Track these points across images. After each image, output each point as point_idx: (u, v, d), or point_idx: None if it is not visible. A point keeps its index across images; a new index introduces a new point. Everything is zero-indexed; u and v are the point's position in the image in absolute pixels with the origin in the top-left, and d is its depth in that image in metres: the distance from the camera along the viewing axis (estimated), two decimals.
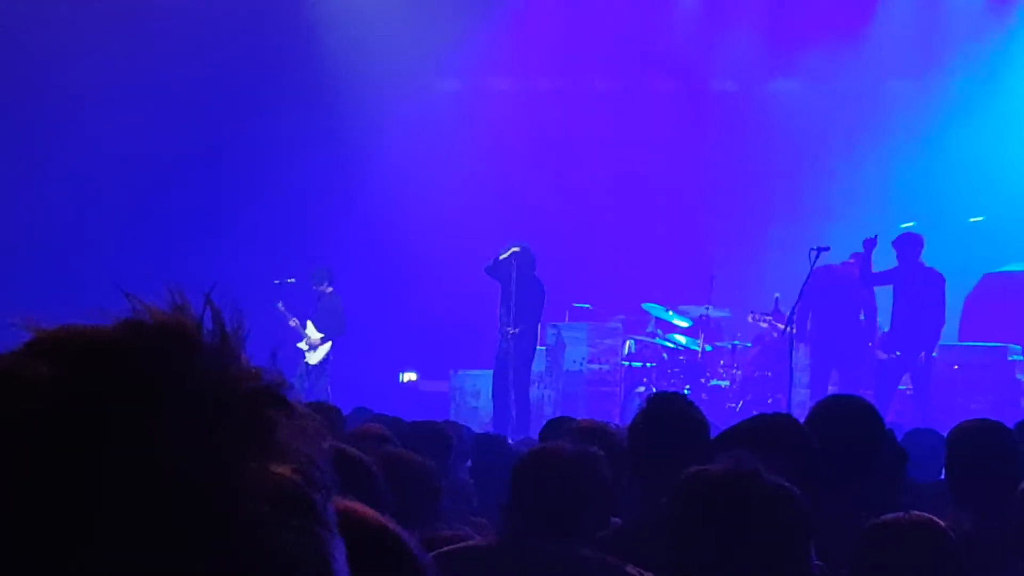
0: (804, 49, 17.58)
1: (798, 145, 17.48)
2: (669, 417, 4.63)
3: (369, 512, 1.40)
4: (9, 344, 0.87)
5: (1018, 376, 13.94)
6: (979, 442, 5.14)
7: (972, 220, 16.22)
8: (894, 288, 13.55)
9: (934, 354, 13.80)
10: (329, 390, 15.99)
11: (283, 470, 0.85)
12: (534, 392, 15.59)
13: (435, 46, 17.38)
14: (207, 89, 16.86)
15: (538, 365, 15.91)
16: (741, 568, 2.65)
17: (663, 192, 17.90)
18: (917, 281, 13.40)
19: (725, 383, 15.39)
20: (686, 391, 15.04)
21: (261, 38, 17.05)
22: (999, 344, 14.16)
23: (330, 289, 16.40)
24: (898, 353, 13.60)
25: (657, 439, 4.55)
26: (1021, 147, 16.60)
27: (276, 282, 16.51)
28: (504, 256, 14.56)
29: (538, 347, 15.38)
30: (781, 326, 13.81)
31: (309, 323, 16.40)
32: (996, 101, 17.00)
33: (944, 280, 13.58)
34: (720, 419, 13.13)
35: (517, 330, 14.44)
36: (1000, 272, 15.27)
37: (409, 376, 17.86)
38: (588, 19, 18.36)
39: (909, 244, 13.53)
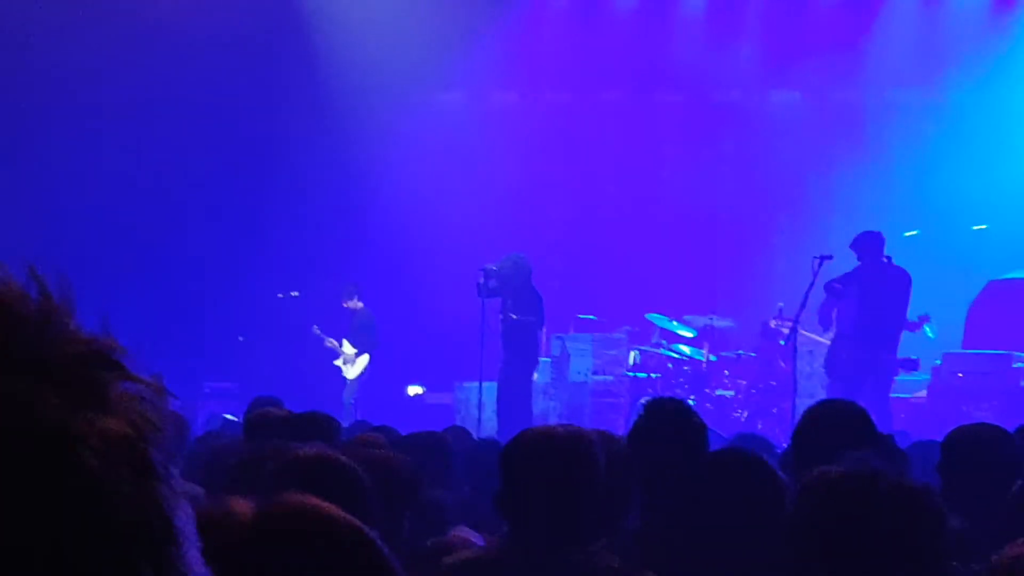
0: (806, 60, 17.60)
1: (801, 155, 17.49)
2: (667, 420, 4.63)
3: (333, 510, 1.40)
4: None
5: (1022, 383, 13.91)
6: (973, 445, 5.16)
7: (976, 228, 16.22)
8: (857, 288, 13.37)
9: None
10: (355, 405, 16.11)
11: (115, 426, 0.86)
12: (539, 404, 15.58)
13: (441, 58, 17.42)
14: (209, 102, 16.89)
15: (543, 377, 15.92)
16: (871, 571, 2.59)
17: (667, 203, 17.92)
18: (880, 280, 13.24)
19: (730, 393, 15.37)
20: (691, 401, 15.07)
21: (265, 51, 17.11)
22: (1004, 352, 14.13)
23: (360, 304, 16.55)
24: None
25: (657, 443, 4.55)
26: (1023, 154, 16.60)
27: (280, 295, 16.57)
28: (494, 268, 14.54)
29: (541, 358, 15.38)
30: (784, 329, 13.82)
31: (345, 341, 16.55)
32: (998, 109, 17.01)
33: (909, 278, 13.44)
34: (725, 429, 13.17)
35: (517, 317, 14.41)
36: (1004, 279, 15.26)
37: (415, 389, 17.87)
38: (593, 32, 18.39)
39: (868, 243, 13.38)
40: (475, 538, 4.43)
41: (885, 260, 13.33)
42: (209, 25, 16.54)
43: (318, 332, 16.55)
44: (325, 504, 1.39)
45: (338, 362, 16.59)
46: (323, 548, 1.34)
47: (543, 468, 3.60)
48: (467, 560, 3.66)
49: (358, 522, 1.39)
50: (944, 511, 2.63)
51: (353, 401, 16.27)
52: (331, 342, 16.58)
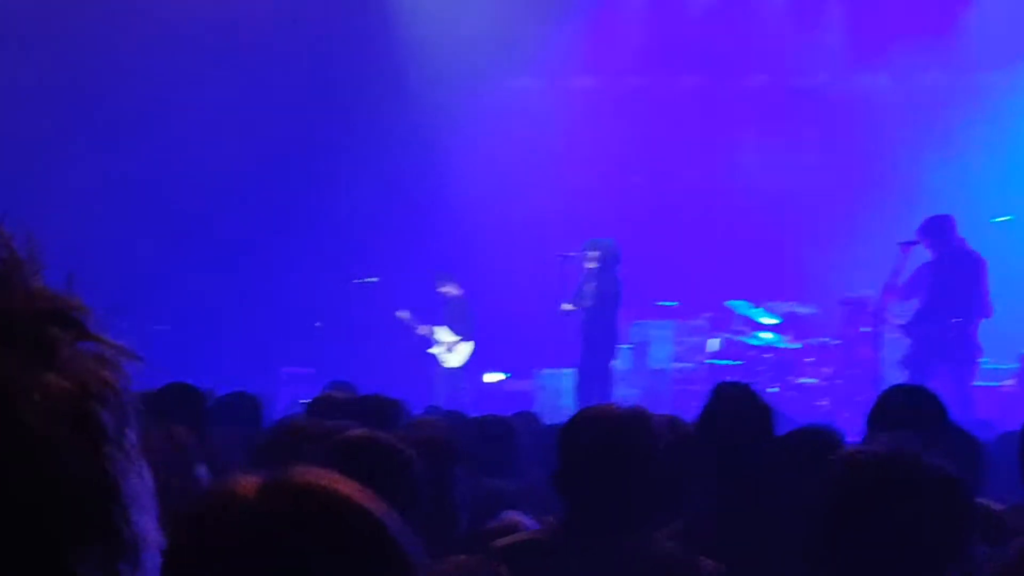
0: (894, 42, 17.29)
1: (887, 139, 17.18)
2: (733, 403, 4.53)
3: (342, 489, 1.35)
4: None
5: None
6: None
7: None
8: (928, 274, 13.03)
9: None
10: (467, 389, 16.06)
11: (59, 382, 0.85)
12: (619, 391, 15.45)
13: (517, 42, 17.32)
14: (289, 87, 16.93)
15: (623, 364, 15.78)
16: (893, 553, 2.52)
17: (748, 188, 17.68)
18: (951, 264, 12.88)
19: (813, 381, 15.16)
20: (774, 390, 14.86)
21: (339, 35, 17.10)
22: None
23: (456, 291, 16.42)
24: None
25: (723, 427, 4.46)
26: None
27: (356, 281, 16.55)
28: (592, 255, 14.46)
29: (620, 345, 15.23)
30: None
31: (442, 328, 16.45)
32: None
33: (983, 262, 13.08)
34: (808, 418, 12.94)
35: (572, 307, 14.31)
36: None
37: (494, 376, 17.80)
38: (672, 14, 18.20)
39: (936, 227, 13.03)
40: (528, 522, 4.32)
41: (957, 243, 13.01)
42: (283, 4, 16.57)
43: (407, 317, 16.42)
44: (335, 482, 1.35)
45: (434, 350, 16.49)
46: (324, 528, 1.30)
47: (598, 446, 3.54)
48: (519, 542, 3.57)
49: (370, 504, 1.35)
50: (970, 500, 2.53)
51: (464, 387, 16.20)
52: (425, 329, 16.49)
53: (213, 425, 6.11)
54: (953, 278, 12.86)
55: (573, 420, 3.76)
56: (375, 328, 17.00)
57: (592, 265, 14.34)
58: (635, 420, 3.64)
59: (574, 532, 3.55)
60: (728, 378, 14.87)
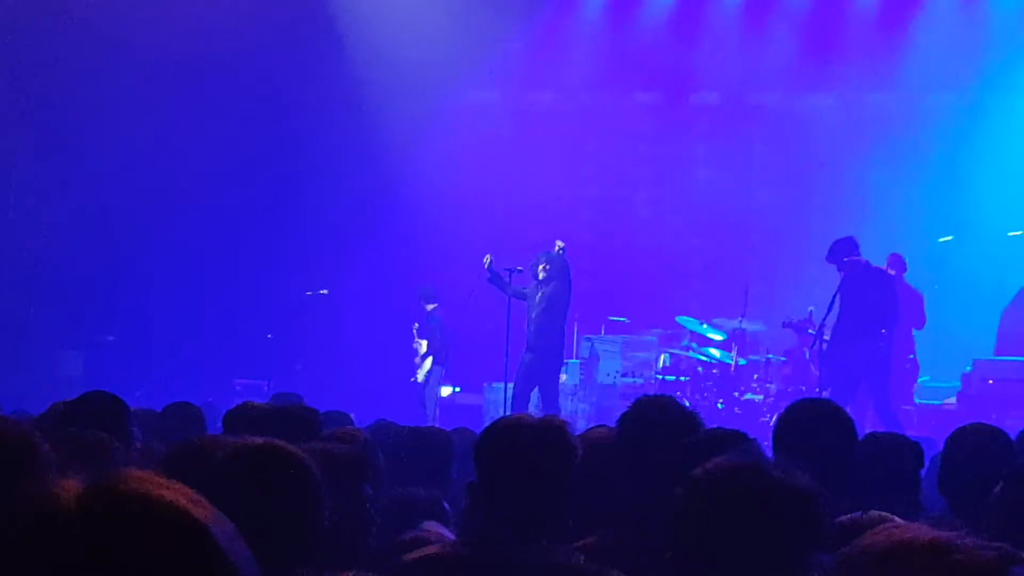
0: (842, 63, 17.49)
1: (835, 159, 17.37)
2: (655, 415, 4.54)
3: (168, 496, 1.32)
4: None
5: None
6: (971, 446, 5.10)
7: (1011, 234, 16.05)
8: (840, 295, 13.23)
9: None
10: (435, 410, 16.10)
11: None
12: (568, 405, 15.55)
13: (474, 58, 17.43)
14: (243, 101, 16.96)
15: (572, 378, 15.88)
16: (737, 562, 2.57)
17: (698, 205, 17.84)
18: (859, 282, 13.08)
19: (759, 397, 15.28)
20: (719, 405, 15.00)
21: (296, 49, 17.14)
22: None
23: (432, 307, 16.56)
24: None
25: (642, 438, 4.47)
26: None
27: (308, 293, 16.61)
28: (541, 268, 14.49)
29: (569, 359, 15.31)
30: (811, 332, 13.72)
31: (425, 342, 16.63)
32: None
33: (890, 279, 13.28)
34: (755, 433, 13.04)
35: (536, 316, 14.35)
36: None
37: (447, 390, 17.88)
38: (627, 33, 18.35)
39: (842, 250, 13.22)
40: (447, 533, 4.38)
41: (863, 263, 13.20)
42: (239, 23, 16.60)
43: (416, 331, 16.66)
44: (161, 488, 1.32)
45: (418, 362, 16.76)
46: (140, 534, 1.27)
47: (509, 456, 3.51)
48: (427, 556, 3.60)
49: (195, 510, 1.32)
50: (819, 508, 2.59)
51: (436, 403, 16.30)
52: (421, 344, 16.70)
53: (157, 434, 6.20)
54: (861, 297, 13.03)
55: (486, 430, 3.73)
56: (325, 339, 17.05)
57: (541, 277, 14.38)
58: (548, 432, 3.59)
59: (484, 544, 3.52)
60: (677, 393, 15.12)
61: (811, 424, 4.62)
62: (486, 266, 14.66)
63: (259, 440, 2.97)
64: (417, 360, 16.65)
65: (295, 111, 17.40)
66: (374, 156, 17.59)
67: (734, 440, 4.27)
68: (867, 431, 5.85)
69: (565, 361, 15.25)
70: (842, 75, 17.51)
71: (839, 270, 13.15)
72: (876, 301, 13.02)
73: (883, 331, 12.97)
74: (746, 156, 17.65)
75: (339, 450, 3.74)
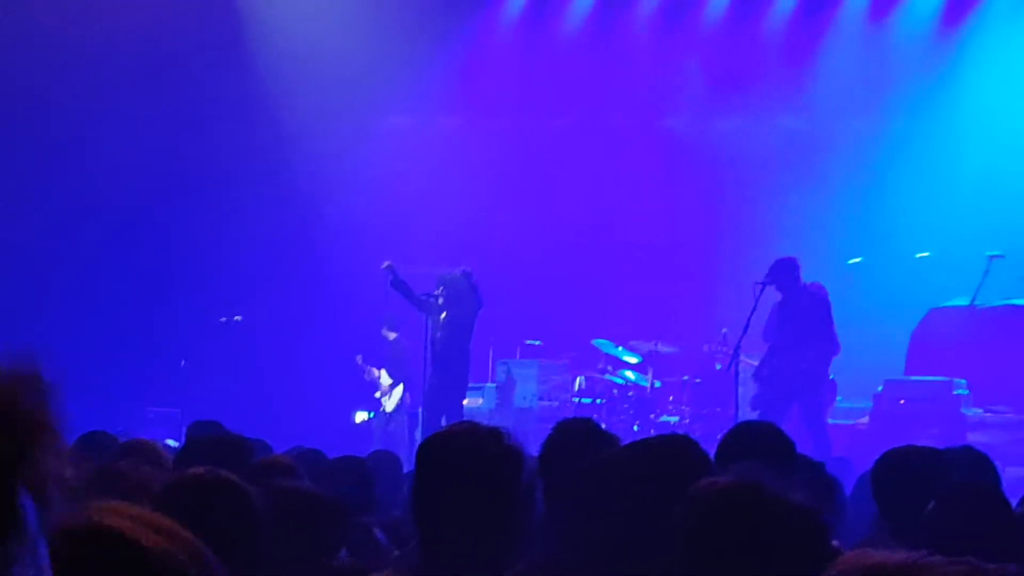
0: (751, 87, 17.70)
1: (746, 182, 17.56)
2: (576, 440, 4.51)
3: (121, 525, 1.34)
4: None
5: (963, 410, 13.97)
6: (900, 465, 5.16)
7: (919, 256, 16.31)
8: (778, 315, 13.38)
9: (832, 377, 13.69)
10: (412, 433, 15.94)
11: None
12: None
13: (388, 82, 17.42)
14: (151, 126, 16.79)
15: (488, 402, 15.88)
16: None
17: (612, 229, 17.95)
18: (798, 302, 13.25)
19: (675, 419, 15.38)
20: (635, 428, 15.06)
21: (209, 74, 17.03)
22: (944, 378, 14.19)
23: (394, 335, 16.45)
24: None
25: (565, 458, 4.43)
26: (967, 182, 16.72)
27: (222, 320, 16.46)
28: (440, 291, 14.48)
29: (487, 384, 15.33)
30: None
31: (383, 371, 16.50)
32: (942, 136, 17.14)
33: (824, 293, 13.46)
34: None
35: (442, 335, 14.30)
36: (945, 307, 15.33)
37: (362, 416, 17.79)
38: (540, 57, 18.44)
39: (781, 271, 13.38)
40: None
41: (803, 284, 13.37)
42: (149, 49, 16.46)
43: (360, 362, 16.51)
44: (112, 523, 1.34)
45: (378, 394, 16.59)
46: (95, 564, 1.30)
47: (461, 467, 3.21)
48: None
49: (158, 542, 1.34)
50: (825, 528, 2.58)
51: (409, 431, 16.15)
52: (372, 373, 16.57)
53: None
54: (800, 318, 13.20)
55: (429, 438, 3.42)
56: (240, 367, 16.88)
57: (441, 301, 14.41)
58: (499, 437, 3.28)
59: (426, 567, 3.27)
60: (593, 416, 15.15)
61: (753, 446, 4.65)
62: (384, 268, 14.60)
63: (199, 469, 2.94)
64: (382, 392, 16.54)
65: (205, 134, 17.25)
66: (287, 182, 17.50)
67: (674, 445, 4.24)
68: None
69: (479, 385, 15.28)
70: (752, 99, 17.71)
71: (778, 290, 13.28)
72: (814, 321, 13.18)
73: (819, 351, 13.14)
74: (658, 181, 17.76)
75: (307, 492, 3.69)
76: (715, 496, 2.62)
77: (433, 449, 3.31)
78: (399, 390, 16.55)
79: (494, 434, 3.28)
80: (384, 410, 16.56)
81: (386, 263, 14.64)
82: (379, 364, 16.69)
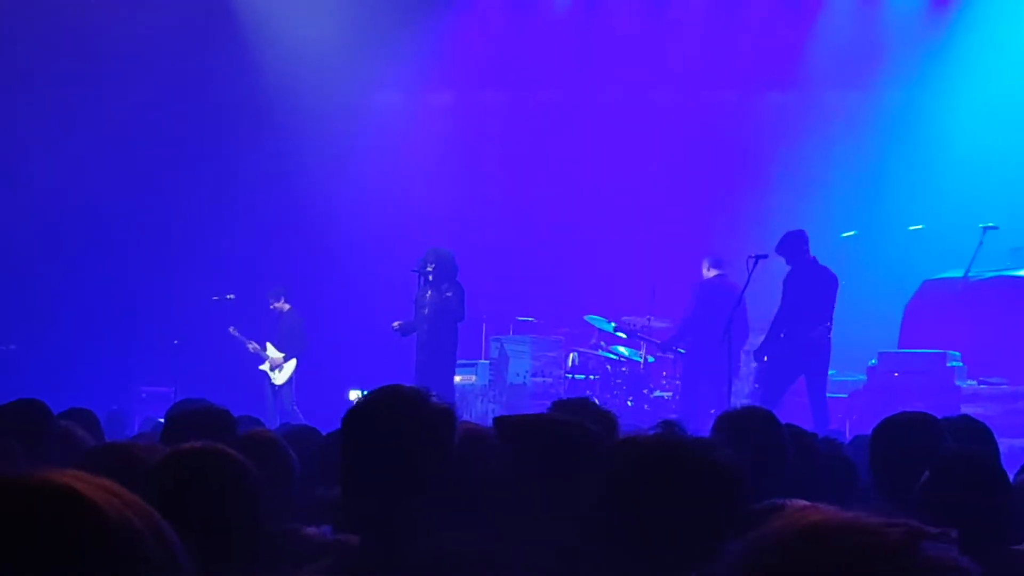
0: (745, 60, 17.66)
1: (739, 155, 17.54)
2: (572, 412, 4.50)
3: (73, 484, 1.32)
4: None
5: (957, 382, 13.96)
6: (899, 433, 5.14)
7: (912, 228, 16.29)
8: (786, 289, 13.34)
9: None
10: (297, 409, 15.85)
11: None
12: (478, 406, 15.53)
13: (376, 58, 17.36)
14: (142, 107, 16.76)
15: (482, 379, 15.85)
16: (653, 534, 2.56)
17: (604, 205, 17.91)
18: (806, 279, 13.20)
19: (667, 394, 15.37)
20: (629, 403, 15.05)
21: (198, 54, 16.97)
22: (938, 351, 14.19)
23: (287, 306, 16.33)
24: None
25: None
26: (960, 154, 16.71)
27: (215, 298, 16.41)
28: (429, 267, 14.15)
29: (480, 360, 15.28)
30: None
31: (269, 344, 16.28)
32: (934, 109, 17.12)
33: (835, 279, 13.42)
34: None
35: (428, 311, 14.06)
36: (939, 279, 15.32)
37: (356, 393, 17.75)
38: (526, 31, 18.39)
39: (792, 243, 13.34)
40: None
41: (811, 259, 13.34)
42: (140, 32, 16.41)
43: (236, 334, 16.24)
44: (65, 482, 1.31)
45: (264, 367, 16.32)
46: (50, 527, 1.28)
47: (385, 426, 3.08)
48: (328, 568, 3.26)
49: (114, 503, 1.32)
50: (741, 485, 2.61)
51: (294, 407, 16.02)
52: (253, 345, 16.30)
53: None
54: (809, 291, 13.16)
55: (353, 407, 3.21)
56: (230, 345, 16.84)
57: (429, 276, 14.04)
58: (419, 399, 3.14)
59: (368, 543, 3.15)
60: (586, 391, 15.15)
61: (743, 427, 4.65)
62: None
63: (196, 442, 2.92)
64: (272, 364, 16.26)
65: (195, 115, 17.20)
66: (276, 159, 17.46)
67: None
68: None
69: (472, 362, 15.23)
70: (744, 72, 17.68)
71: (787, 262, 13.25)
72: (821, 295, 13.16)
73: (827, 324, 13.12)
74: (650, 155, 17.74)
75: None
76: (639, 447, 2.66)
77: (359, 415, 3.18)
78: (292, 363, 16.31)
79: (420, 395, 3.18)
80: (273, 383, 16.35)
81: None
82: (264, 336, 16.46)
